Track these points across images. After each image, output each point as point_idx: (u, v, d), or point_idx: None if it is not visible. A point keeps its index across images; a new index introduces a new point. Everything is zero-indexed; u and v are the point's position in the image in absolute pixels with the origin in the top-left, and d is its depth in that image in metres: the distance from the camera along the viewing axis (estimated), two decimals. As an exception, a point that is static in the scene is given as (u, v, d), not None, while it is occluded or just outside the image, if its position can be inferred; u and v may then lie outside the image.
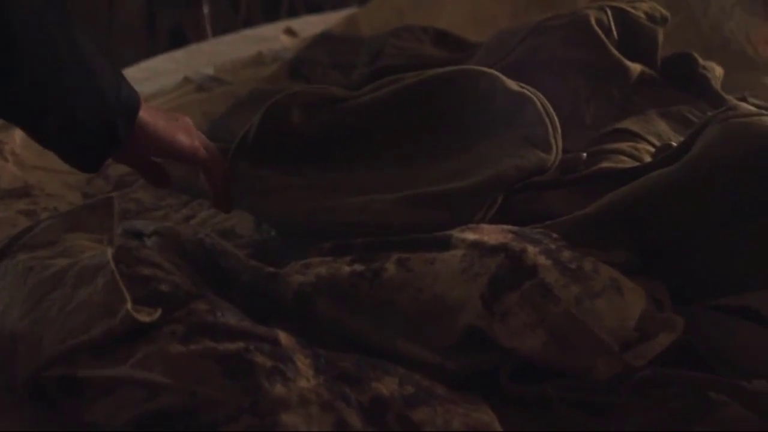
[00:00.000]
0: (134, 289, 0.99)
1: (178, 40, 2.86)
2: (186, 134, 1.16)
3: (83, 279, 1.00)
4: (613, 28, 1.49)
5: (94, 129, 1.06)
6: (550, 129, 1.19)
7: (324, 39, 2.00)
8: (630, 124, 1.41)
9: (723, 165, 1.11)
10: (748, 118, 1.15)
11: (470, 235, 1.07)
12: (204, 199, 1.42)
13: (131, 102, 1.09)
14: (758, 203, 1.10)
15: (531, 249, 1.04)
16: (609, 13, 1.49)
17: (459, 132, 1.22)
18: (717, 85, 1.54)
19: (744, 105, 1.23)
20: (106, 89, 1.06)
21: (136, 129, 1.09)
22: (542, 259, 1.03)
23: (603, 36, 1.46)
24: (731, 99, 1.53)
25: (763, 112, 1.18)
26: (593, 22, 1.46)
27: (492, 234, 1.08)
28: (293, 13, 2.66)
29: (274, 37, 2.21)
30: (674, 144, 1.31)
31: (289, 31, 2.11)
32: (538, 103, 1.20)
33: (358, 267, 1.06)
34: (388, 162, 1.23)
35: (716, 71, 1.58)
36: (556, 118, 1.20)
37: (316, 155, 1.25)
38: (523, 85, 1.22)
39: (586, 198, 1.20)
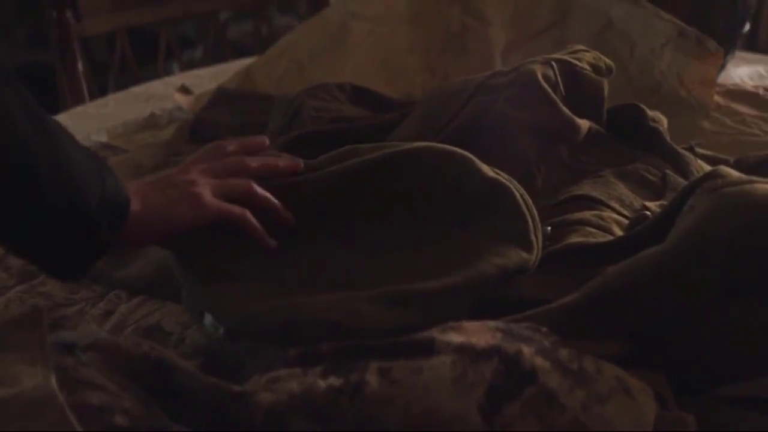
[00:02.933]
0: (88, 424, 0.87)
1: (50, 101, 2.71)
2: (189, 203, 1.07)
3: (28, 416, 0.87)
4: (560, 82, 1.39)
5: (74, 233, 0.97)
6: (531, 225, 1.11)
7: (222, 97, 1.87)
8: (589, 189, 1.32)
9: (720, 241, 1.03)
10: (739, 186, 1.08)
11: (455, 337, 0.97)
12: (121, 290, 1.30)
13: (118, 201, 1.00)
14: (758, 279, 1.02)
15: (526, 350, 0.95)
16: (555, 67, 1.40)
17: (431, 217, 1.13)
18: (668, 137, 1.46)
19: (727, 169, 1.14)
20: (88, 188, 0.97)
21: (126, 225, 1.01)
22: (540, 361, 0.94)
23: (553, 94, 1.36)
24: (686, 153, 1.45)
25: (753, 178, 1.10)
26: (540, 78, 1.36)
27: (479, 334, 0.98)
28: (170, 55, 2.52)
29: (164, 95, 2.07)
30: (647, 213, 1.23)
31: (183, 89, 1.97)
32: (516, 194, 1.11)
33: (335, 381, 0.94)
34: (359, 249, 1.12)
35: (663, 122, 1.50)
36: (534, 211, 1.12)
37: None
38: (498, 171, 1.14)
39: (562, 280, 1.12)
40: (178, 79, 2.17)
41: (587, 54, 1.47)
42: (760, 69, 2.04)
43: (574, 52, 1.47)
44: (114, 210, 1.01)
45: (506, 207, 1.11)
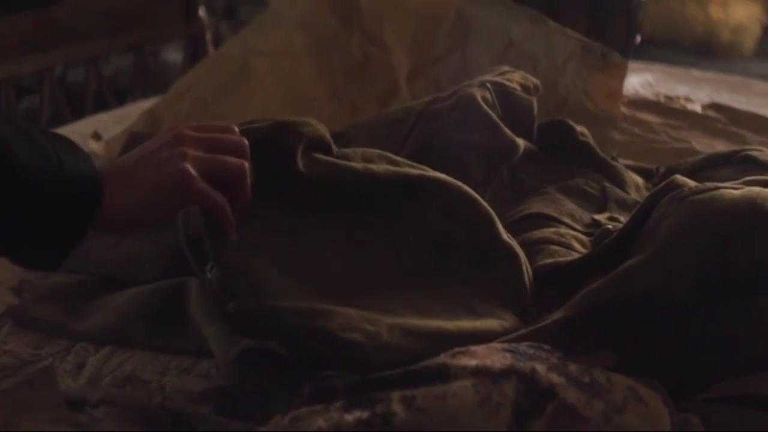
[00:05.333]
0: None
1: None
2: (173, 184, 1.02)
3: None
4: (497, 104, 1.42)
5: (39, 216, 0.95)
6: (528, 295, 1.16)
7: (135, 141, 1.84)
8: (541, 206, 1.36)
9: (698, 247, 1.07)
10: (708, 193, 1.12)
11: (468, 361, 0.99)
12: (86, 342, 1.27)
13: (86, 183, 0.98)
14: (733, 280, 1.06)
15: (539, 367, 0.97)
16: (491, 89, 1.43)
17: (445, 251, 1.16)
18: (599, 150, 1.51)
19: (683, 178, 1.19)
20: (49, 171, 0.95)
21: (100, 208, 0.98)
22: (555, 377, 0.96)
23: (494, 116, 1.39)
24: (617, 165, 1.49)
25: (717, 184, 1.14)
26: (481, 101, 1.39)
27: (490, 356, 1.00)
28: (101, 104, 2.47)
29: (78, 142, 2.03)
30: (610, 228, 1.27)
31: (96, 135, 1.94)
32: (524, 266, 1.17)
33: (362, 414, 0.95)
34: (380, 261, 1.14)
35: (589, 136, 1.55)
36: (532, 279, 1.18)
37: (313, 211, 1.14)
38: (510, 236, 1.19)
39: (544, 300, 1.17)
40: (84, 125, 2.12)
41: (515, 74, 1.50)
42: (649, 77, 2.12)
43: (503, 73, 1.50)
44: (81, 192, 0.98)
45: (514, 275, 1.16)
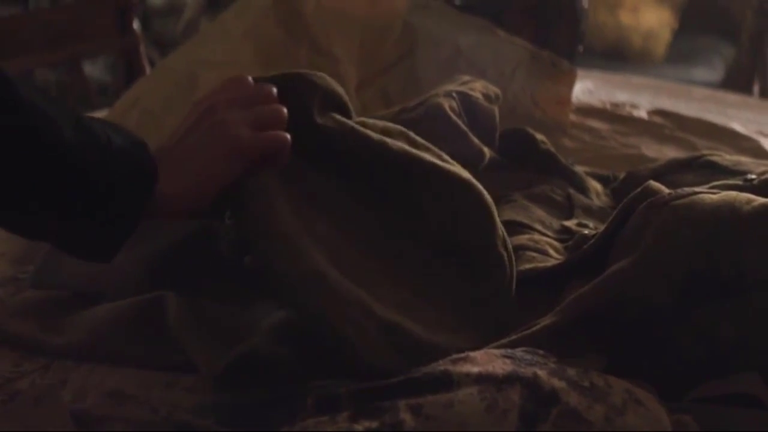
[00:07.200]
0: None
1: None
2: (228, 150, 0.99)
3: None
4: (462, 114, 1.44)
5: (88, 203, 0.93)
6: (511, 310, 1.18)
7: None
8: (512, 214, 1.38)
9: (681, 252, 1.10)
10: (689, 198, 1.15)
11: (471, 368, 1.00)
12: (65, 358, 1.25)
13: (138, 167, 0.96)
14: (715, 282, 1.09)
15: (540, 372, 0.99)
16: (457, 99, 1.44)
17: (434, 248, 1.15)
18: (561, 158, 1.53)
19: (657, 185, 1.21)
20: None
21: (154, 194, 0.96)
22: (556, 382, 0.98)
23: (462, 125, 1.41)
24: (579, 171, 1.52)
25: (695, 189, 1.17)
26: (449, 110, 1.41)
27: (490, 363, 1.01)
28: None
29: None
30: (585, 232, 1.29)
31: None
32: (512, 281, 1.18)
33: (370, 423, 0.95)
34: (376, 244, 1.13)
35: (549, 144, 1.57)
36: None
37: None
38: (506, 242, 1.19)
39: (526, 305, 1.18)
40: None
41: (476, 84, 1.52)
42: (589, 84, 2.15)
43: (465, 83, 1.52)
44: (134, 177, 0.95)
45: (502, 288, 1.17)
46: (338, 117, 1.13)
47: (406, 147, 1.14)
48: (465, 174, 1.16)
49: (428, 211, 1.14)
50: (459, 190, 1.15)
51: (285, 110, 1.04)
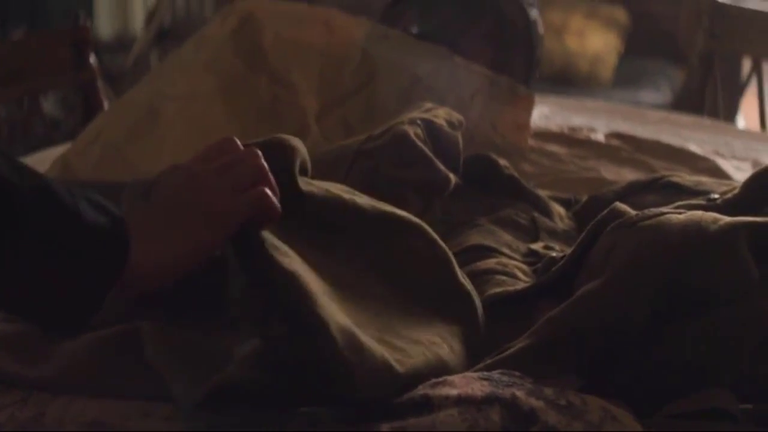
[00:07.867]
0: None
1: None
2: (212, 218, 0.99)
3: None
4: (427, 140, 1.46)
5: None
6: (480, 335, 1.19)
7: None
8: (479, 238, 1.39)
9: (652, 272, 1.11)
10: (656, 219, 1.17)
11: (450, 391, 1.01)
12: (41, 391, 1.25)
13: (110, 239, 0.94)
14: (685, 301, 1.11)
15: (518, 393, 1.01)
16: (422, 125, 1.46)
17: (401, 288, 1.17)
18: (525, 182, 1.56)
19: (623, 206, 1.23)
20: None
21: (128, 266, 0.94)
22: (534, 401, 1.00)
23: (428, 151, 1.42)
24: (543, 195, 1.54)
25: (662, 210, 1.19)
26: (414, 137, 1.43)
27: (469, 385, 1.03)
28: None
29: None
30: (554, 255, 1.31)
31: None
32: (478, 309, 1.19)
33: (354, 449, 0.97)
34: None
35: (512, 169, 1.60)
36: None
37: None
38: (465, 278, 1.21)
39: (498, 328, 1.20)
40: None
41: (440, 111, 1.54)
42: (544, 109, 2.18)
43: (428, 110, 1.54)
44: (102, 248, 0.94)
45: (469, 317, 1.19)
46: (309, 179, 1.16)
47: (374, 202, 1.19)
48: (412, 218, 1.20)
49: (391, 253, 1.17)
50: (409, 230, 1.19)
51: (265, 165, 1.04)
